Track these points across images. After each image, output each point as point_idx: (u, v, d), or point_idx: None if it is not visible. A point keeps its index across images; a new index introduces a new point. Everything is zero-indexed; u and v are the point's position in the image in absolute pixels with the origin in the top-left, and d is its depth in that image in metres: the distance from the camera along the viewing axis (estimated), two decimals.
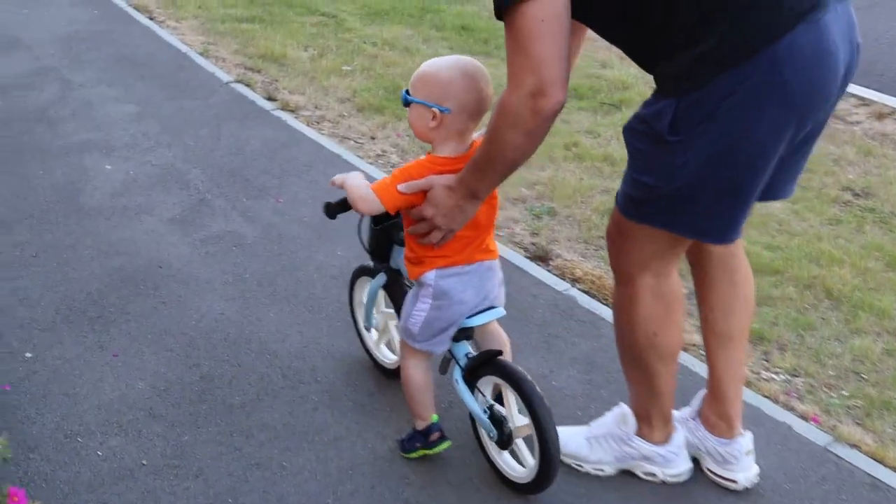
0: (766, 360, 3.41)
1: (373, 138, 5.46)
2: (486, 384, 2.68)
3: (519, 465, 2.69)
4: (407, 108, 2.50)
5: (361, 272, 3.15)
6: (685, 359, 3.32)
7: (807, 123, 2.16)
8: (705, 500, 2.71)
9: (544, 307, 3.63)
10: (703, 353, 3.29)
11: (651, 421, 2.67)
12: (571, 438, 2.78)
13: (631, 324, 2.51)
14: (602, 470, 2.75)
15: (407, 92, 2.46)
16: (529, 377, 2.51)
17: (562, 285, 3.83)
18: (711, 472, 2.78)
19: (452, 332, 2.63)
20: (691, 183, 2.17)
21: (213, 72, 6.50)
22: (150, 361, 3.22)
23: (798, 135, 2.17)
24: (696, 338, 3.47)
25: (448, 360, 2.76)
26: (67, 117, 5.55)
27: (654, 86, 2.22)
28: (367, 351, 3.25)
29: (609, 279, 3.70)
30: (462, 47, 7.04)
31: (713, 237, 2.34)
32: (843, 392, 3.27)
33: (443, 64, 2.44)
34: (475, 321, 2.62)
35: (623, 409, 2.72)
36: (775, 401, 3.17)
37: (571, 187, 4.76)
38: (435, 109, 2.40)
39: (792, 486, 2.77)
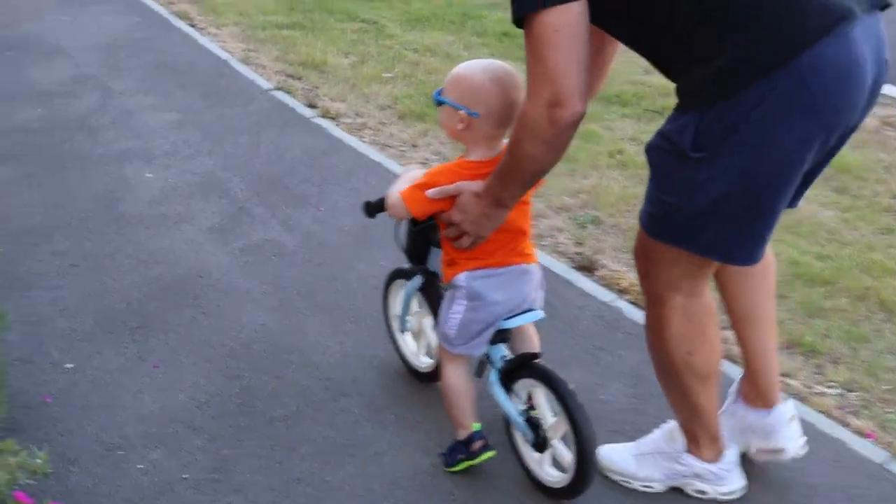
0: (819, 374, 3.32)
1: (414, 146, 5.41)
2: (522, 388, 2.65)
3: (555, 469, 2.65)
4: (439, 109, 2.51)
5: (397, 275, 3.12)
6: (736, 373, 3.22)
7: (832, 137, 2.10)
8: None
9: (589, 319, 3.56)
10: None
11: (698, 440, 2.59)
12: (619, 455, 2.73)
13: (664, 344, 2.44)
14: (651, 487, 2.69)
15: (440, 92, 2.48)
16: (566, 381, 2.47)
17: (607, 296, 3.76)
18: (760, 450, 2.75)
19: (489, 334, 2.61)
20: (714, 201, 2.12)
21: (253, 79, 6.49)
22: (191, 373, 3.19)
23: (823, 149, 2.12)
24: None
25: (484, 363, 2.74)
26: (107, 125, 5.55)
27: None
28: (400, 355, 3.22)
29: None
30: (503, 53, 6.97)
31: (739, 258, 2.27)
32: None
33: (476, 68, 2.44)
34: (513, 323, 2.61)
35: (671, 426, 2.65)
36: (829, 416, 3.08)
37: (616, 195, 4.68)
38: (463, 112, 2.41)
39: None
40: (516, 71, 2.44)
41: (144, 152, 5.13)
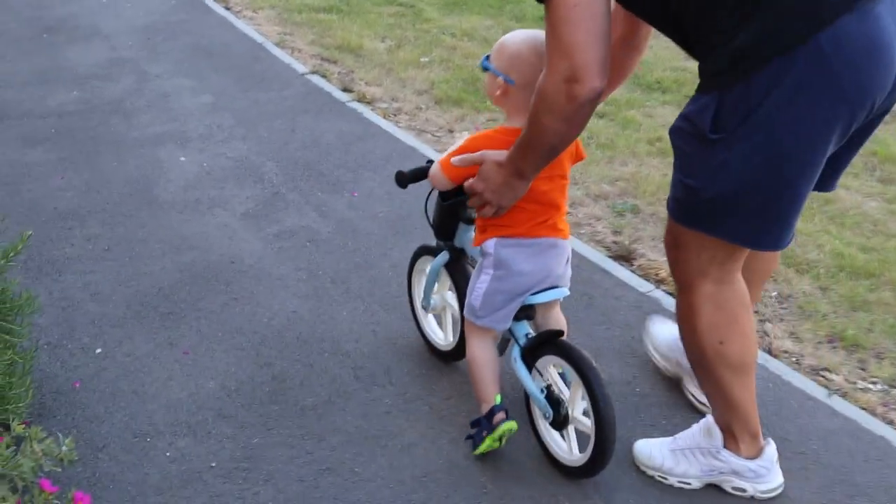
0: (863, 370, 3.23)
1: (451, 131, 5.34)
2: (545, 365, 2.63)
3: (571, 447, 2.63)
4: (485, 74, 2.54)
5: (424, 251, 3.11)
6: (777, 367, 3.17)
7: (858, 117, 2.04)
8: None
9: (627, 309, 3.49)
10: (794, 360, 3.16)
11: (735, 434, 2.53)
12: (656, 450, 2.67)
13: (695, 334, 2.40)
14: (688, 483, 2.62)
15: (487, 58, 2.51)
16: (589, 357, 2.47)
17: (645, 286, 3.69)
18: (692, 394, 2.95)
19: (515, 307, 2.61)
20: (736, 184, 2.09)
21: (288, 63, 6.45)
22: (221, 360, 3.15)
23: (849, 130, 2.06)
24: (788, 344, 3.31)
25: (507, 340, 2.76)
26: (143, 108, 5.53)
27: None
28: (422, 332, 3.21)
29: None
30: None
31: (766, 243, 2.23)
32: None
33: (519, 37, 2.45)
34: (538, 298, 2.61)
35: (709, 422, 2.58)
36: (873, 413, 3.00)
37: (655, 184, 4.60)
38: (501, 79, 2.45)
39: None
40: None
41: (179, 136, 5.11)
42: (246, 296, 3.54)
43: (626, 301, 3.57)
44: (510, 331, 2.71)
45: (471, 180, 2.46)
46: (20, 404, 2.46)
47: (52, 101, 5.59)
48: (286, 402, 2.96)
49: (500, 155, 2.36)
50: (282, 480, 2.63)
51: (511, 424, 2.63)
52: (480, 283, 2.61)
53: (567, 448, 2.64)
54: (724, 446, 2.55)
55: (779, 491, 2.58)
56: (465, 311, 2.71)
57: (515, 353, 2.68)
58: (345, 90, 5.94)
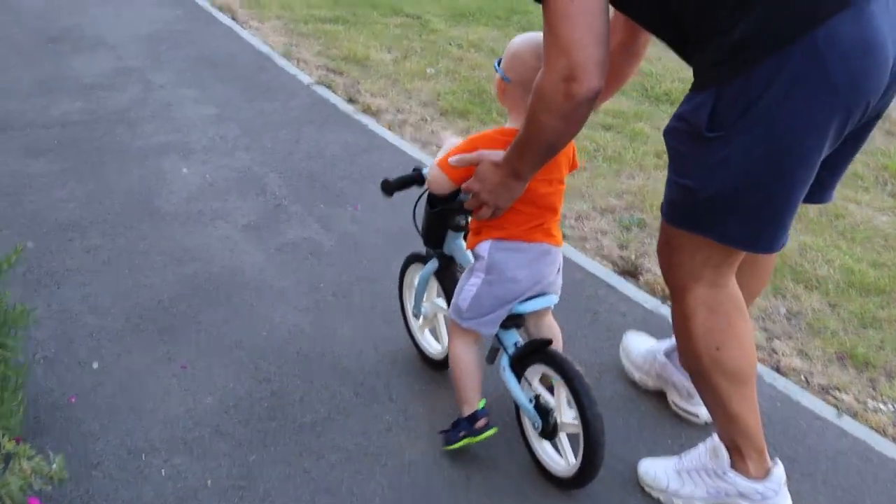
0: (873, 389, 3.17)
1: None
2: (534, 374, 2.62)
3: (561, 458, 2.63)
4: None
5: (414, 259, 3.09)
6: (785, 385, 3.11)
7: (854, 116, 2.03)
8: None
9: (633, 325, 3.43)
10: (803, 378, 3.10)
11: (741, 451, 2.47)
12: (661, 470, 2.63)
13: (691, 340, 2.36)
14: None
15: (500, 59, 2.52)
16: (578, 367, 2.45)
17: (651, 302, 3.63)
18: (676, 404, 2.95)
19: (502, 314, 2.59)
20: (731, 183, 2.07)
21: (294, 73, 6.42)
22: (220, 375, 3.10)
23: (844, 130, 2.05)
24: (797, 361, 3.26)
25: (496, 349, 2.74)
26: (147, 118, 5.50)
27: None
28: (414, 340, 3.20)
29: None
30: None
31: (761, 245, 2.20)
32: None
33: (524, 38, 2.46)
34: (526, 307, 2.59)
35: (715, 442, 2.53)
36: (884, 434, 2.95)
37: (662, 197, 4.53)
38: (499, 76, 2.46)
39: None
40: None
41: (182, 146, 5.06)
42: (246, 309, 3.49)
43: (631, 317, 3.51)
44: (499, 340, 2.69)
45: (468, 181, 2.45)
46: (11, 420, 2.40)
47: (55, 111, 5.55)
48: (285, 418, 2.90)
49: (497, 155, 2.34)
50: (278, 499, 2.58)
51: (494, 430, 2.69)
52: (470, 286, 2.58)
53: (557, 459, 2.63)
54: (732, 466, 2.49)
55: None
56: (450, 311, 2.69)
57: (504, 362, 2.66)
58: (350, 101, 5.91)
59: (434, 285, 3.01)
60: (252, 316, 3.45)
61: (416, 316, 3.13)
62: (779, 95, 1.95)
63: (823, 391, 3.14)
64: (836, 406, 3.05)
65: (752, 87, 1.96)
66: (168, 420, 2.88)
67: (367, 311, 3.50)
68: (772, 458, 2.50)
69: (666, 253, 2.36)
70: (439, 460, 2.74)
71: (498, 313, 2.58)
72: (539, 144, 2.18)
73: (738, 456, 2.48)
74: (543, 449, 2.66)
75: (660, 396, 3.03)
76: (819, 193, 2.27)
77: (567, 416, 2.55)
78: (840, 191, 4.67)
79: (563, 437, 2.60)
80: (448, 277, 2.85)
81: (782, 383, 3.13)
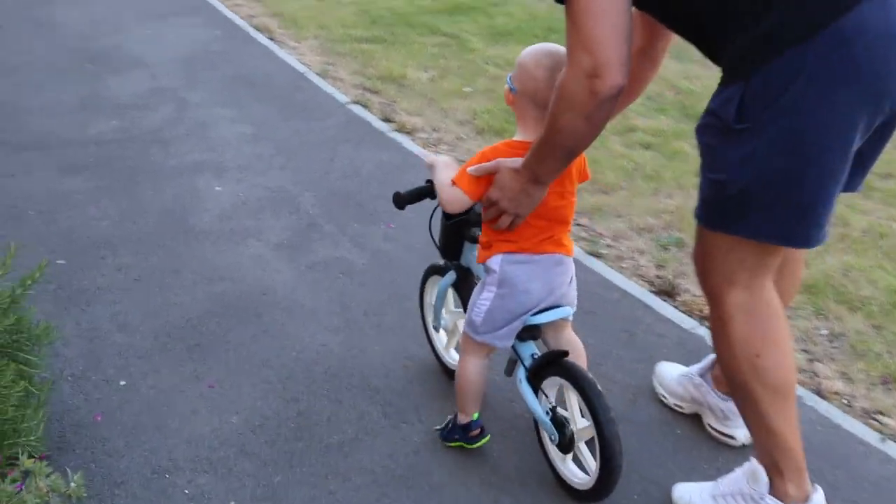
0: None
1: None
2: (551, 386, 2.60)
3: (581, 470, 2.61)
4: None
5: (432, 271, 3.08)
6: (827, 409, 3.02)
7: (883, 108, 2.01)
8: None
9: (670, 347, 3.35)
10: (846, 401, 3.01)
11: (781, 471, 2.38)
12: (696, 495, 2.56)
13: (730, 347, 2.31)
14: None
15: None
16: (593, 379, 2.43)
17: (689, 323, 3.55)
18: (712, 427, 2.88)
19: (516, 326, 2.56)
20: (761, 175, 2.06)
21: (330, 93, 6.41)
22: (247, 394, 3.05)
23: (874, 121, 2.03)
24: (839, 384, 3.17)
25: (514, 361, 2.69)
26: (182, 137, 5.49)
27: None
28: (435, 353, 3.18)
29: None
30: None
31: (796, 240, 2.18)
32: None
33: (534, 48, 2.43)
34: (541, 318, 2.55)
35: (753, 465, 2.44)
36: None
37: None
38: (506, 86, 2.45)
39: None
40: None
41: (217, 165, 5.05)
42: (276, 328, 3.45)
43: (668, 338, 3.43)
44: (516, 352, 2.65)
45: (489, 190, 2.41)
46: (31, 437, 2.37)
47: (91, 130, 5.56)
48: (311, 438, 2.85)
49: (515, 162, 2.31)
50: None
51: (487, 438, 2.76)
52: (483, 300, 2.55)
53: (578, 472, 2.60)
54: (770, 490, 2.40)
55: None
56: (465, 326, 2.66)
57: (521, 374, 2.64)
58: (385, 120, 5.88)
59: (452, 297, 3.00)
60: (281, 335, 3.40)
61: (437, 329, 3.11)
62: (806, 86, 1.93)
63: (866, 415, 3.04)
64: (879, 431, 2.96)
65: (779, 78, 1.94)
66: (193, 439, 2.84)
67: (397, 330, 3.45)
68: (812, 483, 2.41)
69: (701, 258, 2.33)
70: (467, 483, 2.68)
71: (512, 326, 2.54)
72: (560, 147, 2.15)
73: (777, 476, 2.40)
74: (564, 463, 2.63)
75: (695, 419, 2.95)
76: (848, 182, 2.20)
77: (581, 423, 2.52)
78: (885, 210, 4.57)
79: (582, 447, 2.57)
80: (466, 289, 2.82)
81: (824, 407, 3.04)
